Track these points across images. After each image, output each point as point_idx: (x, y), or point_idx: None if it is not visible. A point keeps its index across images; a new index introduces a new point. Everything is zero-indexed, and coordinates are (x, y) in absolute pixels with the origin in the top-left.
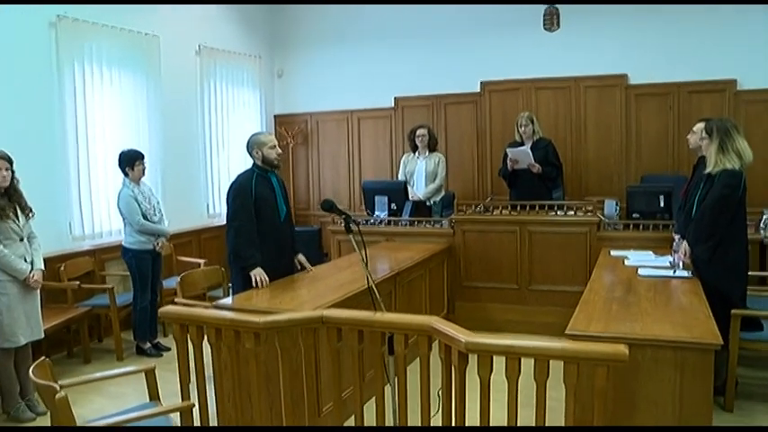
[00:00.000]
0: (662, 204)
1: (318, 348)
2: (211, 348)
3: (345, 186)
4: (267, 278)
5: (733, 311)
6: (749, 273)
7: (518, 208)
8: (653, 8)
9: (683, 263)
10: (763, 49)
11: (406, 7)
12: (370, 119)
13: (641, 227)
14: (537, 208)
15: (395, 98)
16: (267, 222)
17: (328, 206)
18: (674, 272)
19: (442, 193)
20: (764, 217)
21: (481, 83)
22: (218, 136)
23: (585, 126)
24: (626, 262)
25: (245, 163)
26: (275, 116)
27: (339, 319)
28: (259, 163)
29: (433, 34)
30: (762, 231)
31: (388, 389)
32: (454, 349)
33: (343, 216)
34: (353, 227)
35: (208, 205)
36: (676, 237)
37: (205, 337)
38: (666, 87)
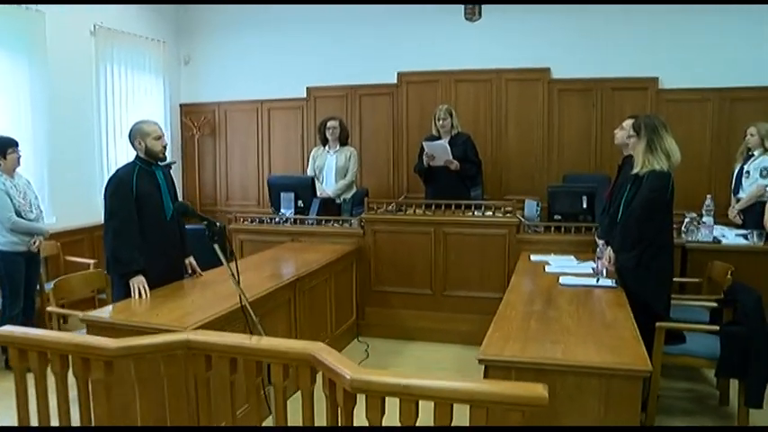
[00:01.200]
0: (585, 206)
1: (187, 378)
2: (56, 379)
3: (255, 181)
4: (147, 287)
5: (658, 324)
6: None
7: (433, 207)
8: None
9: (607, 270)
10: (685, 49)
11: None
12: (281, 109)
13: (563, 229)
14: (453, 207)
15: (307, 88)
16: (151, 222)
17: (183, 210)
18: (598, 280)
19: (354, 189)
20: (686, 220)
21: (398, 74)
22: (117, 125)
23: (506, 121)
24: (547, 268)
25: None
26: (181, 105)
27: (207, 345)
28: (142, 155)
29: (348, 21)
30: (684, 235)
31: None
32: (339, 386)
33: (204, 222)
34: (230, 234)
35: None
36: (600, 242)
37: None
38: (590, 83)
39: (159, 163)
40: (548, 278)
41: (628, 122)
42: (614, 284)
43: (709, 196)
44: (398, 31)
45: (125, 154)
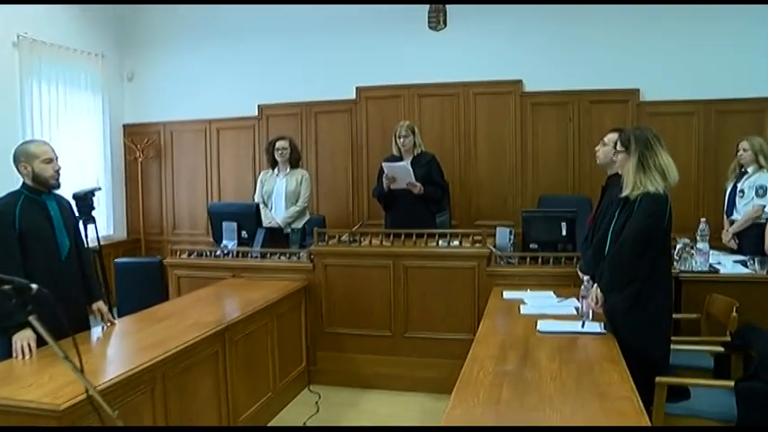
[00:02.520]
0: (564, 233)
1: None
2: None
3: (203, 208)
4: (34, 345)
5: (658, 380)
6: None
7: (391, 237)
8: (550, 8)
9: (593, 312)
10: (668, 58)
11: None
12: (230, 129)
13: (540, 260)
14: (414, 237)
15: (259, 106)
16: (41, 262)
17: None
18: (583, 324)
19: (307, 217)
20: (679, 247)
21: (357, 89)
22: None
23: (475, 139)
24: (522, 309)
25: (83, 179)
26: (124, 126)
27: None
28: (29, 182)
29: (302, 34)
30: (676, 264)
31: None
32: None
33: (10, 288)
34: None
35: None
36: (584, 278)
37: None
38: (565, 96)
39: (52, 191)
40: (523, 322)
41: (610, 137)
42: (603, 329)
43: (703, 220)
44: (357, 42)
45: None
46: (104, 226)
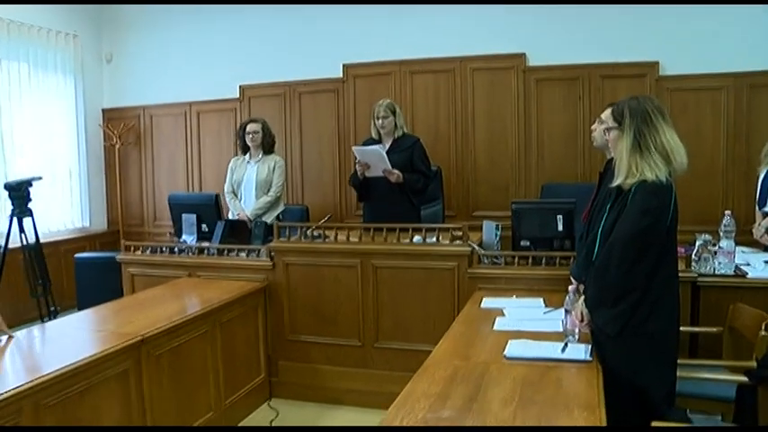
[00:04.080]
0: (561, 227)
1: None
2: None
3: None
4: None
5: (654, 425)
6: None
7: (360, 232)
8: None
9: (579, 332)
10: (690, 26)
11: None
12: (212, 112)
13: (531, 260)
14: (385, 232)
15: (240, 87)
16: None
17: None
18: (565, 347)
19: (280, 208)
20: (698, 244)
21: (344, 66)
22: (7, 136)
23: (474, 120)
24: (498, 321)
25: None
26: (103, 110)
27: None
28: None
29: (285, 8)
30: (694, 265)
31: None
32: None
33: None
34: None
35: None
36: (570, 287)
37: None
38: (574, 70)
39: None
40: (493, 340)
41: (607, 113)
42: (588, 356)
43: (728, 213)
44: (343, 15)
45: (14, 166)
46: (78, 217)
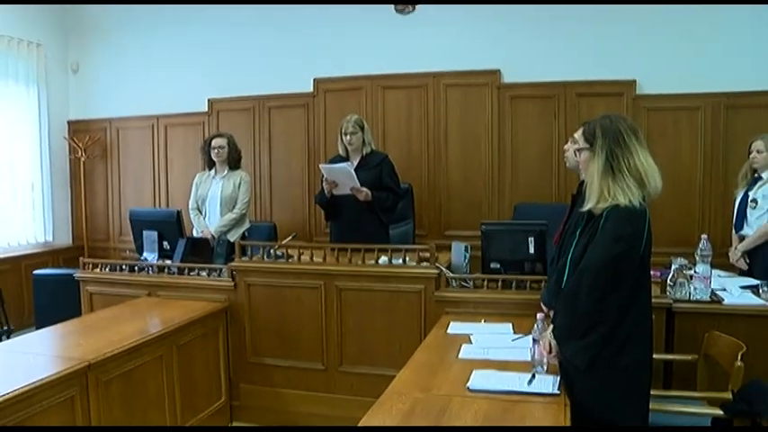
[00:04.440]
0: (532, 250)
1: None
2: None
3: None
4: None
5: None
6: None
7: (324, 252)
8: None
9: (548, 362)
10: (668, 45)
11: None
12: (179, 126)
13: (500, 284)
14: (349, 252)
15: (209, 100)
16: None
17: None
18: (532, 378)
19: (246, 225)
20: (674, 268)
21: (314, 80)
22: None
23: (447, 137)
24: (463, 349)
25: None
26: (69, 122)
27: None
28: None
29: (255, 20)
30: (669, 290)
31: None
32: None
33: None
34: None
35: None
36: (538, 315)
37: None
38: (550, 88)
39: None
40: (458, 370)
41: (580, 132)
42: (556, 389)
43: (704, 237)
44: (314, 29)
45: None
46: (41, 231)
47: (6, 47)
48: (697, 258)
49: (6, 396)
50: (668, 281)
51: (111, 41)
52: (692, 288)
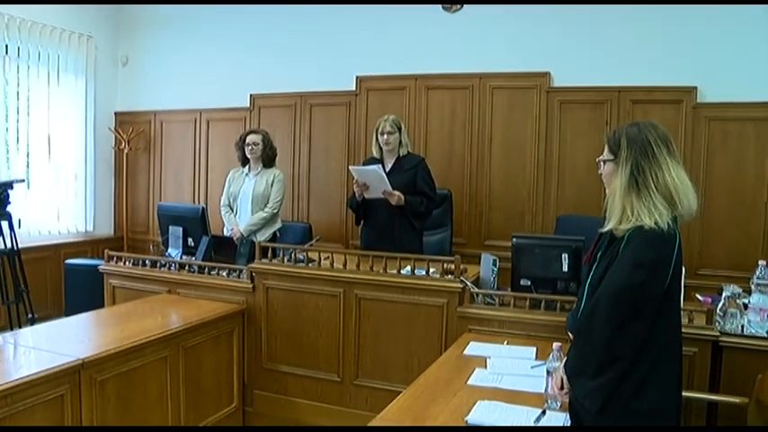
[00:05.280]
0: (565, 268)
1: None
2: None
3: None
4: None
5: None
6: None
7: (345, 259)
8: None
9: (560, 399)
10: (733, 48)
11: None
12: (221, 121)
13: (529, 302)
14: (371, 260)
15: (251, 96)
16: None
17: None
18: (542, 415)
19: (277, 225)
20: (724, 296)
21: (357, 78)
22: (14, 134)
23: (491, 141)
24: (476, 373)
25: (57, 170)
26: (116, 113)
27: None
28: None
29: (299, 17)
30: (719, 322)
31: None
32: None
33: None
34: None
35: None
36: (554, 345)
37: None
38: (602, 93)
39: None
40: (462, 398)
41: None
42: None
43: (762, 263)
44: (359, 26)
45: (26, 170)
46: (82, 221)
47: (59, 38)
48: (753, 287)
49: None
50: (718, 310)
51: (159, 36)
52: (745, 320)
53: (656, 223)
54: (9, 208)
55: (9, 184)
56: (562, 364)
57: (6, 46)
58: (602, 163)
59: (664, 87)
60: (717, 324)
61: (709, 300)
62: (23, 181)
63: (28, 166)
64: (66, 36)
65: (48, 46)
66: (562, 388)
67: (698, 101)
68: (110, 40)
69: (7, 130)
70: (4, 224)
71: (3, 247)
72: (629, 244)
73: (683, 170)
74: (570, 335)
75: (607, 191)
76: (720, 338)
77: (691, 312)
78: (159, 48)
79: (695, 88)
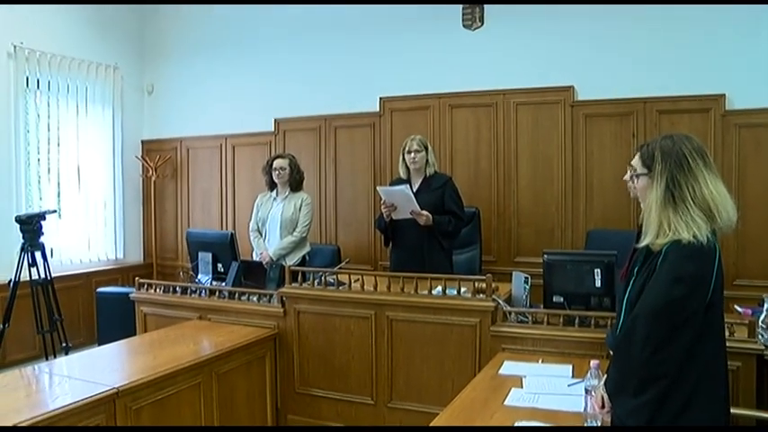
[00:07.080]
0: (598, 283)
1: None
2: None
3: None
4: None
5: None
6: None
7: (376, 280)
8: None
9: (601, 418)
10: (761, 53)
11: (289, 6)
12: (247, 146)
13: (562, 320)
14: (401, 281)
15: (275, 120)
16: None
17: None
18: None
19: (306, 249)
20: (767, 307)
21: (381, 99)
22: (46, 166)
23: (517, 158)
24: (512, 393)
25: (86, 199)
26: (143, 142)
27: None
28: None
29: (321, 40)
30: (761, 334)
31: None
32: None
33: None
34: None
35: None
36: (592, 363)
37: None
38: (628, 105)
39: None
40: (499, 419)
41: (637, 157)
42: None
43: None
44: (381, 47)
45: (56, 199)
46: (112, 249)
47: (86, 70)
48: None
49: (26, 423)
50: (760, 322)
51: (183, 64)
52: None
53: (694, 236)
54: (42, 239)
55: (42, 216)
56: (602, 383)
57: (38, 80)
58: (633, 179)
59: (690, 96)
60: (759, 336)
61: (749, 311)
62: (55, 212)
63: (59, 196)
64: (94, 68)
65: (76, 78)
66: (603, 406)
67: (727, 108)
68: (135, 70)
69: (39, 161)
70: (38, 255)
71: (36, 277)
72: (667, 258)
73: (720, 182)
74: (611, 351)
75: (642, 205)
76: (765, 352)
77: (731, 325)
78: (183, 75)
79: (723, 95)
